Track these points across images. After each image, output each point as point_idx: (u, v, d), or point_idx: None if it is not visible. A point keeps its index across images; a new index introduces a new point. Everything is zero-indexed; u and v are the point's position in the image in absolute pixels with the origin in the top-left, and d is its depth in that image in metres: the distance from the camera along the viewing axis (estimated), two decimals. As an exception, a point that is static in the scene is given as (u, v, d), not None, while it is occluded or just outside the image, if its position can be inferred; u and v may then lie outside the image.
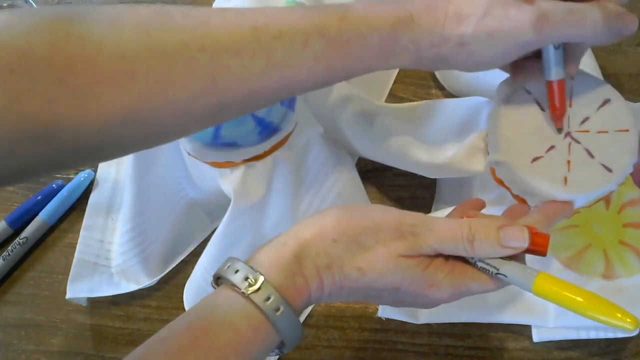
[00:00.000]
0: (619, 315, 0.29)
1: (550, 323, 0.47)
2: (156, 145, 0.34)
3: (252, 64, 0.32)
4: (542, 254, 0.33)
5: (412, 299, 0.34)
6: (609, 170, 0.38)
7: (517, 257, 0.34)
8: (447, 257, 0.34)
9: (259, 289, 0.31)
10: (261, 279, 0.32)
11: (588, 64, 0.53)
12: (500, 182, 0.41)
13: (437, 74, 0.55)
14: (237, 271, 0.32)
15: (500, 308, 0.48)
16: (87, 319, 0.50)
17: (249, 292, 0.31)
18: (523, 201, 0.40)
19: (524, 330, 0.49)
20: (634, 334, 0.46)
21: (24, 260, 0.52)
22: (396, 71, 0.57)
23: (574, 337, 0.48)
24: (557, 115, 0.38)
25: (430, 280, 0.33)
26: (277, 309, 0.31)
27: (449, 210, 0.48)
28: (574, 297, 0.30)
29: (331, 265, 0.33)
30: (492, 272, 0.33)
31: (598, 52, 0.55)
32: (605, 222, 0.48)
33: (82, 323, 0.50)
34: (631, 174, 0.39)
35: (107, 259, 0.51)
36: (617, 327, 0.29)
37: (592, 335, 0.48)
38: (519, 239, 0.33)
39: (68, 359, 0.49)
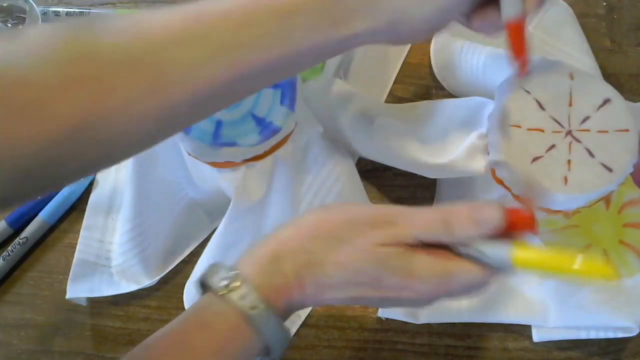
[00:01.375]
0: (600, 267, 0.29)
1: (550, 323, 0.48)
2: (125, 156, 0.33)
3: (196, 53, 0.30)
4: (530, 228, 0.32)
5: (396, 293, 0.33)
6: (609, 169, 0.38)
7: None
8: (430, 248, 0.33)
9: (235, 288, 0.31)
10: (238, 279, 0.31)
11: (588, 64, 0.53)
12: (501, 182, 0.41)
13: (437, 73, 0.55)
14: (215, 274, 0.32)
15: (500, 308, 0.49)
16: (87, 319, 0.50)
17: (226, 291, 0.31)
18: (523, 201, 0.40)
19: (524, 330, 0.49)
20: (634, 334, 0.46)
21: (24, 260, 0.52)
22: (396, 71, 0.57)
23: (574, 337, 0.48)
24: (518, 58, 0.36)
25: (411, 269, 0.32)
26: (254, 307, 0.31)
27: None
28: (554, 256, 0.30)
29: (310, 263, 0.32)
30: (471, 253, 0.32)
31: (598, 52, 0.55)
32: (605, 222, 0.48)
33: (82, 323, 0.50)
34: (631, 174, 0.39)
35: (107, 259, 0.51)
36: (598, 279, 0.30)
37: (592, 335, 0.48)
38: (491, 212, 0.32)
39: (68, 359, 0.49)
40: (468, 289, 0.33)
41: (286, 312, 0.33)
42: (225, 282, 0.31)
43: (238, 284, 0.31)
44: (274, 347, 0.32)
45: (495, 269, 0.33)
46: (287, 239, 0.33)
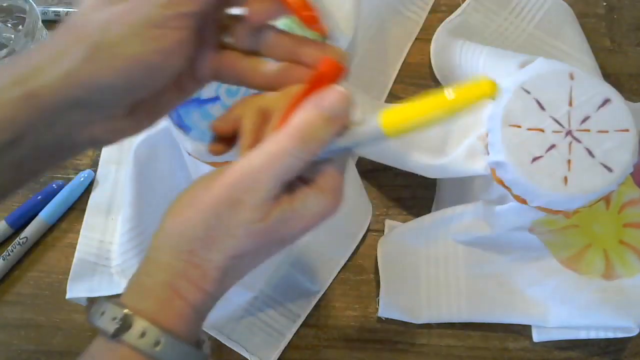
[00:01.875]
0: (475, 85, 0.27)
1: (550, 323, 0.48)
2: None
3: None
4: (339, 72, 0.29)
5: (299, 236, 0.30)
6: (609, 169, 0.38)
7: None
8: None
9: (129, 326, 0.27)
10: (130, 315, 0.27)
11: (588, 64, 0.53)
12: (501, 182, 0.41)
13: (437, 73, 0.55)
14: (102, 313, 0.28)
15: (500, 308, 0.49)
16: (87, 318, 0.50)
17: (119, 333, 0.27)
18: (523, 201, 0.40)
19: (524, 330, 0.49)
20: (634, 333, 0.46)
21: (24, 260, 0.52)
22: (396, 71, 0.57)
23: (574, 337, 0.48)
24: (314, 26, 0.29)
25: (310, 214, 0.29)
26: (157, 343, 0.27)
27: (449, 210, 0.48)
28: (424, 102, 0.27)
29: (206, 270, 0.29)
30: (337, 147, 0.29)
31: (598, 52, 0.55)
32: (605, 222, 0.48)
33: (82, 323, 0.50)
34: (631, 174, 0.39)
35: (107, 259, 0.51)
36: (481, 99, 0.27)
37: (592, 335, 0.48)
38: (333, 96, 0.28)
39: (68, 359, 0.49)
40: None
41: (194, 328, 0.30)
42: (117, 322, 0.27)
43: (132, 320, 0.27)
44: None
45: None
46: (171, 257, 0.29)
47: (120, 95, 0.28)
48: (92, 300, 0.50)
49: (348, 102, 0.28)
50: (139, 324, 0.27)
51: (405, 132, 0.28)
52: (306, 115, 0.28)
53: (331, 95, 0.28)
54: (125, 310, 0.27)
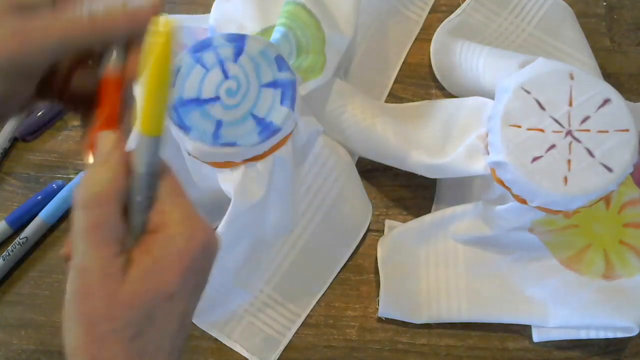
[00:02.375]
0: (158, 35, 0.26)
1: (550, 323, 0.48)
2: None
3: None
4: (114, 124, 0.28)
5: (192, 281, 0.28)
6: (609, 169, 0.38)
7: None
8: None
9: None
10: None
11: (588, 64, 0.53)
12: (500, 182, 0.41)
13: (437, 73, 0.55)
14: None
15: (500, 308, 0.49)
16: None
17: None
18: (523, 201, 0.40)
19: (524, 330, 0.49)
20: (634, 333, 0.46)
21: (24, 260, 0.52)
22: (396, 71, 0.57)
23: (574, 337, 0.48)
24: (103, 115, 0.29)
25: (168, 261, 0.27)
26: None
27: (449, 210, 0.48)
28: (152, 86, 0.26)
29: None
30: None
31: (598, 52, 0.55)
32: (605, 222, 0.48)
33: (82, 323, 0.50)
34: (631, 174, 0.39)
35: (107, 259, 0.51)
36: (169, 42, 0.26)
37: (592, 335, 0.48)
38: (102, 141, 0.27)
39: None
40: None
41: None
42: None
43: None
44: None
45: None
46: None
47: None
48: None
49: (112, 142, 0.28)
50: None
51: (159, 120, 0.27)
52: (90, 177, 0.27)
53: (101, 143, 0.28)
54: None
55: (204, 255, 0.28)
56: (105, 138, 0.28)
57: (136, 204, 0.27)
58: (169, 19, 0.26)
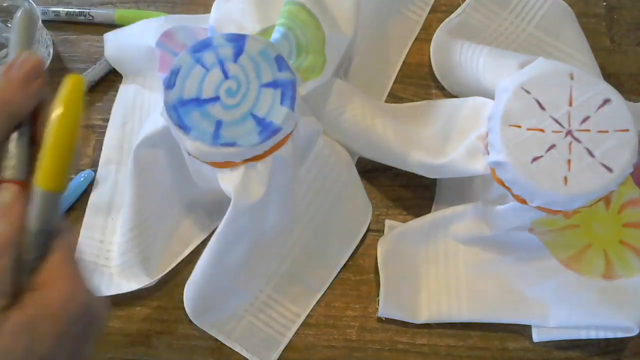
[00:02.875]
0: (67, 88, 0.26)
1: (550, 323, 0.48)
2: None
3: None
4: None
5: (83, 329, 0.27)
6: (609, 169, 0.38)
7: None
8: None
9: None
10: None
11: (588, 63, 0.53)
12: (500, 182, 0.41)
13: (437, 73, 0.55)
14: None
15: (500, 308, 0.49)
16: (87, 319, 0.50)
17: None
18: (523, 201, 0.40)
19: (524, 330, 0.49)
20: (634, 333, 0.46)
21: (24, 260, 0.52)
22: (396, 71, 0.57)
23: (574, 337, 0.48)
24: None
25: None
26: None
27: (449, 210, 0.48)
28: (61, 143, 0.26)
29: None
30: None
31: (598, 52, 0.55)
32: (605, 222, 0.48)
33: (82, 323, 0.50)
34: (631, 174, 0.39)
35: (107, 259, 0.51)
36: (76, 96, 0.25)
37: (592, 335, 0.48)
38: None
39: (68, 359, 0.49)
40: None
41: None
42: None
43: None
44: None
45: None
46: None
47: None
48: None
49: (13, 195, 0.27)
50: None
51: (60, 175, 0.27)
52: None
53: (1, 194, 0.26)
54: None
55: (83, 320, 0.27)
56: (6, 190, 0.27)
57: (24, 261, 0.26)
58: (78, 75, 0.26)
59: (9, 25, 0.54)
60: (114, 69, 0.56)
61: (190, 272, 0.49)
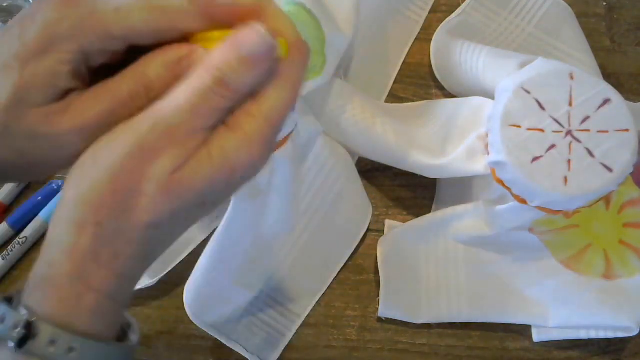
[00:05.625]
0: None
1: (550, 323, 0.48)
2: None
3: None
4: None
5: (220, 195, 0.26)
6: (609, 169, 0.38)
7: None
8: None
9: (35, 334, 0.23)
10: (34, 321, 0.23)
11: (588, 64, 0.53)
12: (500, 182, 0.41)
13: (437, 73, 0.55)
14: (2, 319, 0.24)
15: (500, 308, 0.49)
16: None
17: (24, 342, 0.23)
18: (523, 201, 0.40)
19: (524, 330, 0.49)
20: (634, 333, 0.46)
21: (23, 260, 0.52)
22: (396, 71, 0.57)
23: (574, 337, 0.48)
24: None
25: (229, 163, 0.25)
26: (70, 350, 0.23)
27: (449, 210, 0.48)
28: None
29: (118, 254, 0.25)
30: None
31: (598, 52, 0.55)
32: (605, 222, 0.48)
33: (82, 323, 0.50)
34: (631, 174, 0.39)
35: (107, 259, 0.51)
36: None
37: (592, 335, 0.48)
38: (254, 37, 0.24)
39: (68, 359, 0.49)
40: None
41: (115, 319, 0.26)
42: (19, 330, 0.23)
43: (37, 327, 0.23)
44: None
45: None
46: (75, 246, 0.24)
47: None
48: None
49: (266, 42, 0.25)
50: (46, 331, 0.23)
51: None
52: (223, 53, 0.24)
53: (249, 36, 0.24)
54: (27, 317, 0.23)
55: (242, 180, 0.26)
56: (255, 35, 0.25)
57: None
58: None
59: (9, 25, 0.54)
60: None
61: (190, 272, 0.49)
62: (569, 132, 0.39)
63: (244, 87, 0.25)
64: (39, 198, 0.53)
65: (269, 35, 0.24)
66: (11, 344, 0.23)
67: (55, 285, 0.24)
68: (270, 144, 0.26)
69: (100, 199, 0.24)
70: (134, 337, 0.27)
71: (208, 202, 0.26)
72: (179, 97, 0.24)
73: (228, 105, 0.25)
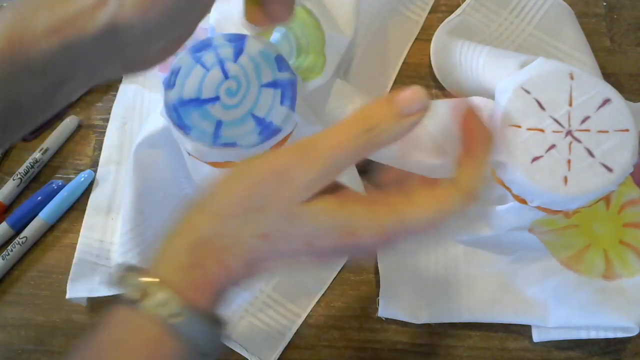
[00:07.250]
0: None
1: (550, 323, 0.47)
2: None
3: None
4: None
5: (331, 254, 0.29)
6: (609, 169, 0.38)
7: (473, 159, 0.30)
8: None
9: (151, 295, 0.26)
10: (153, 283, 0.27)
11: (588, 64, 0.53)
12: (500, 182, 0.41)
13: (437, 73, 0.55)
14: (125, 279, 0.27)
15: (500, 308, 0.49)
16: (87, 319, 0.50)
17: (140, 300, 0.26)
18: (523, 201, 0.40)
19: (524, 330, 0.49)
20: (634, 333, 0.46)
21: (23, 260, 0.52)
22: (396, 71, 0.57)
23: (574, 337, 0.48)
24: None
25: (348, 227, 0.27)
26: (176, 315, 0.26)
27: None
28: None
29: (232, 245, 0.28)
30: None
31: (598, 52, 0.55)
32: (605, 222, 0.48)
33: (82, 323, 0.50)
34: (631, 174, 0.39)
35: (107, 259, 0.51)
36: None
37: (592, 335, 0.48)
38: (416, 98, 0.28)
39: (68, 359, 0.49)
40: (424, 228, 0.28)
41: (216, 305, 0.29)
42: (134, 289, 0.27)
43: (154, 289, 0.26)
44: (208, 351, 0.28)
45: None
46: (201, 225, 0.28)
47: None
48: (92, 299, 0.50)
49: (421, 101, 0.28)
50: (161, 293, 0.26)
51: None
52: (381, 104, 0.28)
53: (409, 93, 0.28)
54: (147, 279, 0.27)
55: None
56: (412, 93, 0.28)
57: None
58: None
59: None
60: (114, 69, 0.56)
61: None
62: (569, 132, 0.39)
63: (385, 140, 0.29)
64: (39, 198, 0.53)
65: (424, 96, 0.29)
66: (127, 300, 0.26)
67: (175, 255, 0.28)
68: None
69: (236, 200, 0.29)
70: (223, 333, 0.30)
71: (310, 247, 0.28)
72: (326, 137, 0.28)
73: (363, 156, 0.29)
